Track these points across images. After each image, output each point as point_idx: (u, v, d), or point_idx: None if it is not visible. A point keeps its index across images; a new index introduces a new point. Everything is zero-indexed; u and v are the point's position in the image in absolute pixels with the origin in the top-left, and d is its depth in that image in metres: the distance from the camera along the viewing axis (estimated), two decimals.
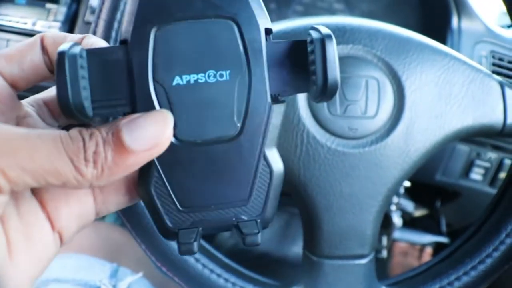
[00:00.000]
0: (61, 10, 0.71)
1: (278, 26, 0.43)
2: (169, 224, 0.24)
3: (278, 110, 0.25)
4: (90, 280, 0.55)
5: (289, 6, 0.84)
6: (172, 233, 0.25)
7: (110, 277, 0.56)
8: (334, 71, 0.23)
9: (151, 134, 0.22)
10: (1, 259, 0.22)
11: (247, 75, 0.23)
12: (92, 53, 0.23)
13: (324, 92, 0.23)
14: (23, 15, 0.73)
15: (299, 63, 0.24)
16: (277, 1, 0.84)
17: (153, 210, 0.25)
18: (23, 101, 0.27)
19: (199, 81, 0.23)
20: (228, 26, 0.23)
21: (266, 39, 0.24)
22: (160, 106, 0.23)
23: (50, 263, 0.25)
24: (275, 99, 0.24)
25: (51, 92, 0.29)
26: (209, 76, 0.23)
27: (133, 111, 0.23)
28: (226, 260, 0.46)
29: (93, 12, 0.70)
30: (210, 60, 0.23)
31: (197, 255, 0.44)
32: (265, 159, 0.24)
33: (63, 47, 0.21)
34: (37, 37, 0.25)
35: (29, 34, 0.72)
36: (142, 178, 0.25)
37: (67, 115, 0.21)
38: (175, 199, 0.24)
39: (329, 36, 0.23)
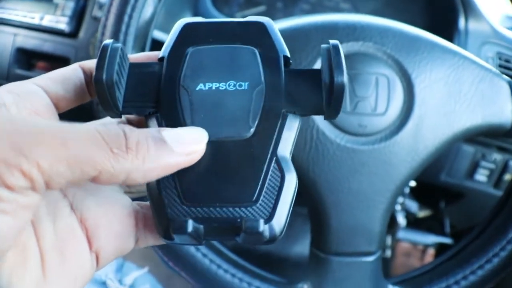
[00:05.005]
0: (68, 5, 0.71)
1: (288, 23, 0.43)
2: (169, 215, 0.24)
3: (293, 124, 0.25)
4: (96, 275, 0.55)
5: (296, 4, 0.84)
6: (169, 227, 0.24)
7: (115, 271, 0.56)
8: (341, 71, 0.24)
9: (189, 141, 0.23)
10: (35, 277, 0.21)
11: (264, 87, 0.26)
12: (133, 65, 0.27)
13: (332, 92, 0.24)
14: (30, 10, 0.73)
15: (311, 88, 0.26)
16: (283, 0, 0.85)
17: (156, 200, 0.24)
18: None
19: (220, 88, 0.25)
20: (251, 50, 0.27)
21: (285, 65, 0.27)
22: (182, 106, 0.25)
23: (85, 284, 0.25)
24: (295, 114, 0.26)
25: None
26: (229, 85, 0.25)
27: (157, 110, 0.26)
28: (233, 256, 0.46)
29: (100, 7, 0.70)
30: (232, 73, 0.26)
31: (204, 250, 0.44)
32: (277, 163, 0.24)
33: (108, 41, 0.25)
34: (77, 64, 0.27)
35: (36, 28, 0.72)
36: None
37: (99, 92, 0.24)
38: (180, 192, 0.24)
39: (335, 44, 0.25)
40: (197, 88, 0.25)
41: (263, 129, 0.25)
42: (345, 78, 0.24)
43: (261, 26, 0.27)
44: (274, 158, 0.24)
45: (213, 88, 0.25)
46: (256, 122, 0.25)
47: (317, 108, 0.26)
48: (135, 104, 0.26)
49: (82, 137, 0.20)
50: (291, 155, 0.25)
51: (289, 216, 0.24)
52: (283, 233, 0.24)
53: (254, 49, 0.26)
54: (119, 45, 0.25)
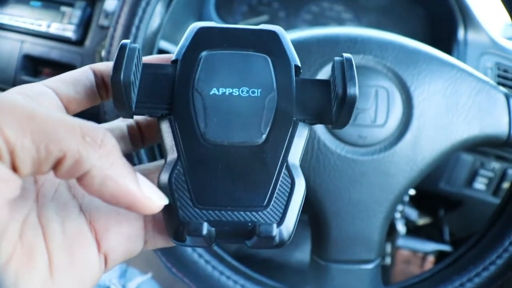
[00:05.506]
0: (75, 13, 0.72)
1: (290, 36, 0.44)
2: (181, 217, 0.24)
3: (303, 132, 0.26)
4: (100, 280, 0.55)
5: (298, 14, 0.86)
6: (181, 229, 0.24)
7: (119, 277, 0.56)
8: (354, 84, 0.25)
9: (154, 191, 0.23)
10: (42, 277, 0.21)
11: (276, 95, 0.26)
12: (147, 66, 0.27)
13: (344, 103, 0.25)
14: (38, 17, 0.74)
15: (322, 98, 0.27)
16: (286, 10, 0.86)
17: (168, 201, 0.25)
18: None
19: (233, 94, 0.26)
20: (264, 58, 0.27)
21: (295, 74, 0.27)
22: (195, 110, 0.26)
23: (93, 285, 0.25)
24: (305, 123, 0.27)
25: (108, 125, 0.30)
26: (242, 91, 0.26)
27: (170, 113, 0.26)
28: (235, 263, 0.47)
29: (107, 16, 0.71)
30: (245, 80, 0.26)
31: (207, 257, 0.44)
32: (288, 170, 0.25)
33: (126, 41, 0.25)
34: (88, 66, 0.27)
35: (43, 36, 0.73)
36: (165, 168, 0.26)
37: (115, 93, 0.24)
38: (192, 195, 0.24)
39: (349, 58, 0.26)
40: (211, 93, 0.26)
41: (274, 136, 0.25)
42: (357, 90, 0.25)
43: (273, 34, 0.28)
44: (285, 165, 0.25)
45: (227, 93, 0.26)
46: (268, 129, 0.25)
47: (327, 117, 0.27)
48: (148, 105, 0.26)
49: (53, 116, 0.19)
50: (300, 162, 0.26)
51: (297, 221, 0.25)
52: (291, 237, 0.25)
53: (267, 57, 0.27)
54: (136, 46, 0.25)
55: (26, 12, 0.75)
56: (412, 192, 0.81)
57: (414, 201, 0.91)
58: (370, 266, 0.44)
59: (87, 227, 0.24)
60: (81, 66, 0.74)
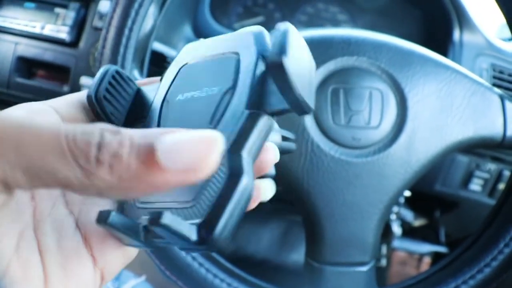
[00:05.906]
0: (69, 15, 0.72)
1: None
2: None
3: (259, 124, 0.23)
4: None
5: (293, 16, 0.86)
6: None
7: (113, 280, 0.56)
8: (279, 52, 0.21)
9: (192, 152, 0.17)
10: None
11: (233, 90, 0.25)
12: (140, 90, 0.30)
13: (272, 74, 0.22)
14: (32, 19, 0.74)
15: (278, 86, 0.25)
16: (281, 11, 0.86)
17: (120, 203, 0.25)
18: None
19: (195, 96, 0.27)
20: (234, 57, 0.26)
21: (265, 68, 0.25)
22: (161, 116, 0.27)
23: None
24: (259, 111, 0.24)
25: None
26: (202, 92, 0.26)
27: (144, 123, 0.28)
28: (229, 265, 0.46)
29: (101, 17, 0.71)
30: (207, 81, 0.27)
31: (201, 260, 0.44)
32: (228, 161, 0.22)
33: (106, 66, 0.28)
34: None
35: (37, 37, 0.73)
36: None
37: (91, 108, 0.26)
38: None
39: (284, 28, 0.23)
40: (176, 99, 0.27)
41: (222, 129, 0.23)
42: (285, 58, 0.21)
43: (248, 34, 0.27)
44: (226, 158, 0.22)
45: (189, 96, 0.27)
46: (217, 123, 0.24)
47: (282, 105, 0.23)
48: (132, 121, 0.28)
49: (41, 142, 0.17)
50: (253, 156, 0.23)
51: (234, 220, 0.20)
52: (223, 238, 0.20)
53: (237, 56, 0.26)
54: (114, 67, 0.27)
55: (20, 14, 0.75)
56: (407, 193, 0.81)
57: (410, 203, 0.91)
58: (364, 268, 0.44)
59: (83, 244, 0.24)
60: (75, 67, 0.74)
